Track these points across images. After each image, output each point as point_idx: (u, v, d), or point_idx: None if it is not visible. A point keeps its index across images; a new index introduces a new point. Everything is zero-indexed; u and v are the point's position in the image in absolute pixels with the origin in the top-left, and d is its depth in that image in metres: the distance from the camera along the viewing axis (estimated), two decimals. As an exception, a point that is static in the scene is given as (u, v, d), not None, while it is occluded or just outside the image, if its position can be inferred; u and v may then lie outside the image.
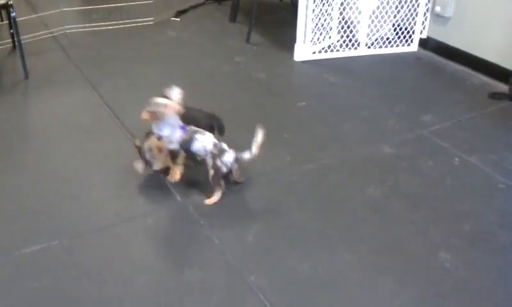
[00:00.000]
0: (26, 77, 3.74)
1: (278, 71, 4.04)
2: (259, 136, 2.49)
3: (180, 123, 2.56)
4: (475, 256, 2.31)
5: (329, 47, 4.33)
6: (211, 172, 2.53)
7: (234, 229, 2.42)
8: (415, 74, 4.09)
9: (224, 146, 2.55)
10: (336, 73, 4.00)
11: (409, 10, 4.31)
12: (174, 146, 2.57)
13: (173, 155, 2.65)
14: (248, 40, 4.53)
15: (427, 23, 4.36)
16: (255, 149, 2.50)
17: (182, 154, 2.64)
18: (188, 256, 2.27)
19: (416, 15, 4.33)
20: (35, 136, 3.15)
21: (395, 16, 4.40)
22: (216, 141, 2.55)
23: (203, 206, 2.55)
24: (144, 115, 2.53)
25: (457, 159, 2.98)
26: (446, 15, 4.15)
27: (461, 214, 2.56)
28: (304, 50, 4.17)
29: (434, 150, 3.07)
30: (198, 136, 2.54)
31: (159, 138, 2.57)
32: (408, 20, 4.37)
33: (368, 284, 2.16)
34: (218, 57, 4.24)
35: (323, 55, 4.25)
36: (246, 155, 2.52)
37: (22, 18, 4.20)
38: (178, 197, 2.61)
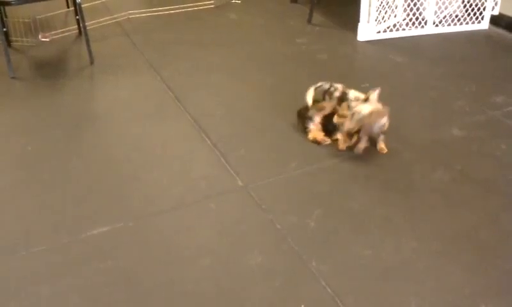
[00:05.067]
0: (91, 62, 3.83)
1: (341, 52, 3.94)
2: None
3: None
4: (552, 245, 2.18)
5: (394, 25, 4.19)
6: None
7: (296, 214, 2.39)
8: (486, 53, 3.90)
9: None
10: (402, 53, 3.87)
11: (480, -15, 4.11)
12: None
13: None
14: (309, 21, 4.45)
15: (499, -2, 4.14)
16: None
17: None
18: (250, 240, 2.26)
19: (487, -10, 4.12)
20: (100, 120, 3.21)
21: (464, -8, 4.21)
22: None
23: (265, 190, 2.53)
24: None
25: (532, 142, 2.82)
26: (520, -11, 3.93)
27: (537, 200, 2.42)
28: (368, 29, 4.05)
29: (507, 133, 2.91)
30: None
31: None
32: (478, -5, 4.17)
33: (435, 273, 2.07)
34: (279, 38, 4.19)
35: (388, 35, 4.12)
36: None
37: (86, 5, 4.30)
38: (240, 182, 2.59)
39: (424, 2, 4.19)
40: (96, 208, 2.46)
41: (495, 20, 4.22)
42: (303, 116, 2.89)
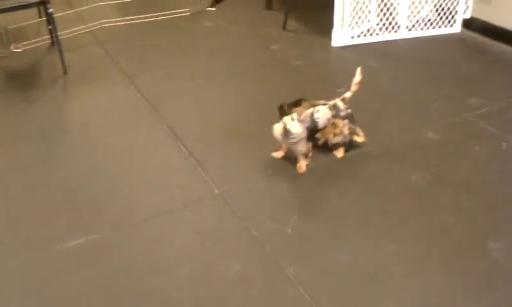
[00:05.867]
0: (65, 72, 3.77)
1: (316, 58, 3.95)
2: (357, 76, 2.74)
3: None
4: (527, 245, 2.20)
5: (368, 30, 4.21)
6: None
7: (273, 220, 2.38)
8: (458, 56, 3.94)
9: (332, 102, 2.76)
10: (377, 58, 3.89)
11: (452, -11, 4.16)
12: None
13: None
14: (284, 27, 4.46)
15: (470, 2, 4.19)
16: (353, 86, 2.75)
17: (309, 146, 2.71)
18: (227, 248, 2.24)
19: (459, -6, 4.17)
20: (75, 130, 3.17)
21: (436, -3, 4.25)
22: (327, 104, 2.74)
23: (241, 198, 2.52)
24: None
25: (504, 144, 2.85)
26: (491, -7, 3.99)
27: (511, 201, 2.44)
28: (342, 35, 4.07)
29: (481, 135, 2.94)
30: (316, 114, 2.67)
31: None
32: (450, -1, 4.22)
33: (414, 276, 2.08)
34: (255, 45, 4.19)
35: (362, 40, 4.14)
36: (347, 95, 2.76)
37: (59, 14, 4.23)
38: (216, 190, 2.57)
39: (396, 6, 4.22)
40: (71, 220, 2.42)
41: (467, 23, 4.27)
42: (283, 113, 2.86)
